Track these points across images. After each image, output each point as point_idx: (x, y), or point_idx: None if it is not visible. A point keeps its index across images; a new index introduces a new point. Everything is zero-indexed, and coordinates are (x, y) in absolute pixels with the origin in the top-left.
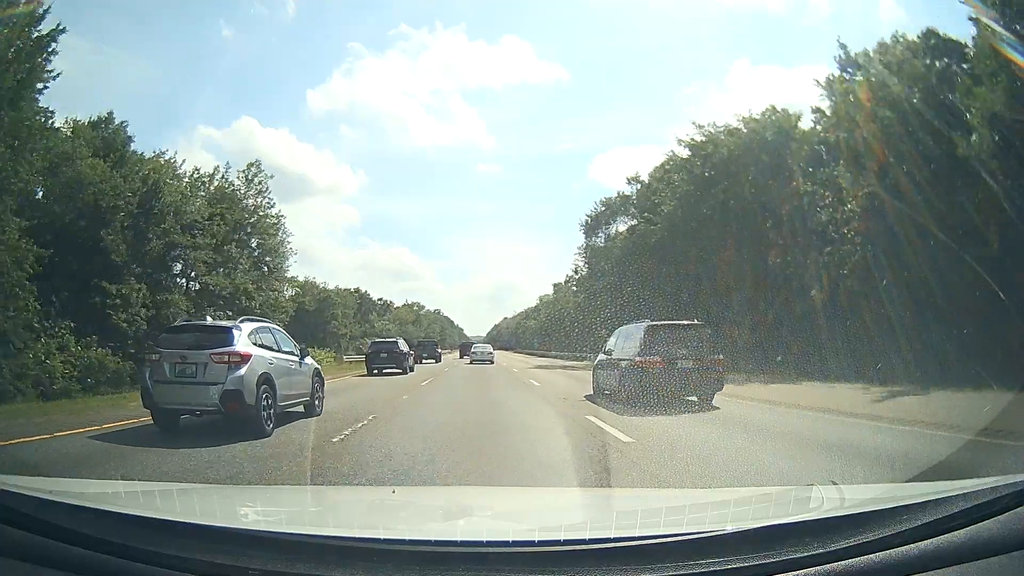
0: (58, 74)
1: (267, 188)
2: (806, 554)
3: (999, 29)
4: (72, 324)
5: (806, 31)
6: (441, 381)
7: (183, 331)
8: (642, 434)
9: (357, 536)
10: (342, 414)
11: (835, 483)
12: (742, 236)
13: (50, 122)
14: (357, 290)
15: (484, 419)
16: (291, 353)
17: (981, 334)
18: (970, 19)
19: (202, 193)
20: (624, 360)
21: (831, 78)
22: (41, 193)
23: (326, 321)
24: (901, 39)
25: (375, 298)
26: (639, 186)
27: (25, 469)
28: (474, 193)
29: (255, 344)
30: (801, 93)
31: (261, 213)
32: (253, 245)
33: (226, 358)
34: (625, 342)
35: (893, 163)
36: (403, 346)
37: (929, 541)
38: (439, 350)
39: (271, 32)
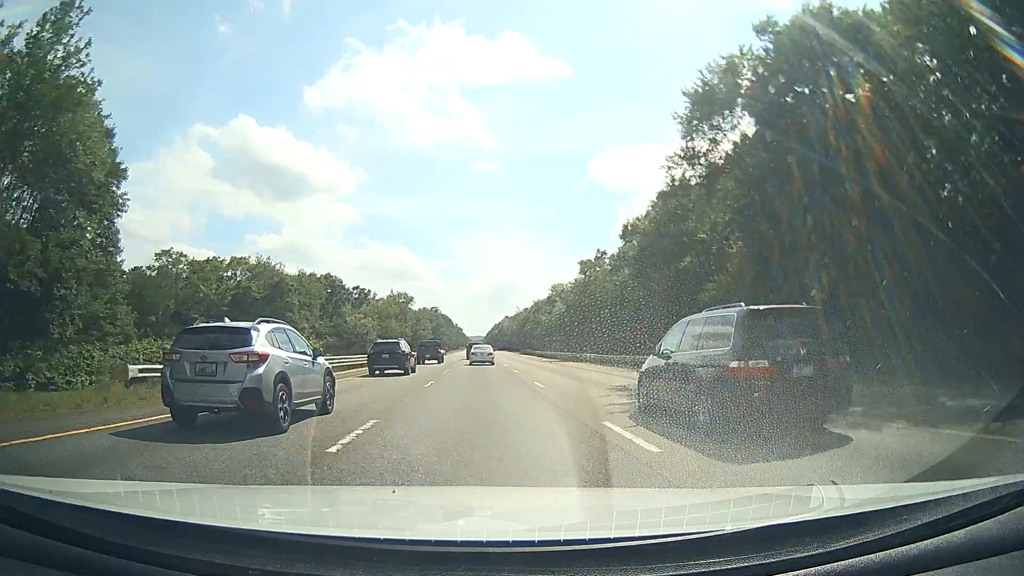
0: None
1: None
2: (806, 554)
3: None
4: None
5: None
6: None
7: (202, 332)
8: None
9: (357, 536)
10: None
11: (835, 483)
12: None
13: None
14: (328, 277)
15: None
16: (304, 353)
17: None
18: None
19: None
20: (703, 367)
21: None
22: None
23: (279, 312)
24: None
25: (350, 287)
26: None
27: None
28: (473, 192)
29: (272, 344)
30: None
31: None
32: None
33: (245, 357)
34: (701, 339)
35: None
36: (404, 347)
37: (929, 541)
38: (441, 350)
39: (268, 28)
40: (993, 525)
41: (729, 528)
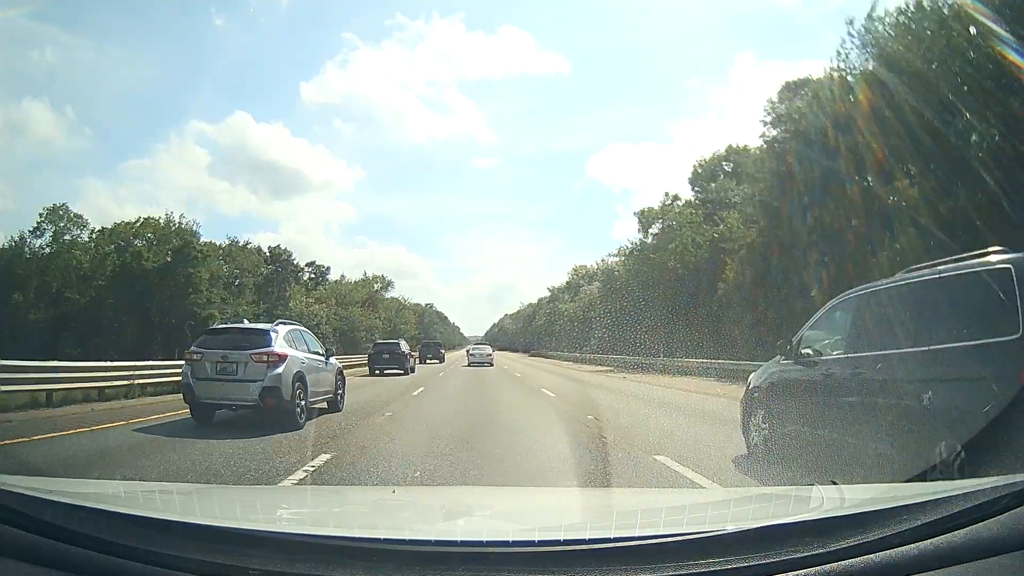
0: None
1: None
2: (806, 554)
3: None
4: None
5: (816, 23)
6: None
7: (223, 333)
8: None
9: (357, 536)
10: None
11: (835, 483)
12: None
13: None
14: (276, 250)
15: None
16: (319, 353)
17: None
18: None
19: None
20: (935, 377)
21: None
22: None
23: (180, 289)
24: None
25: (302, 263)
26: None
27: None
28: (472, 191)
29: (289, 345)
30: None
31: None
32: None
33: (265, 357)
34: (911, 324)
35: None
36: (404, 347)
37: (929, 541)
38: (442, 351)
39: (264, 21)
40: (993, 525)
41: (729, 528)
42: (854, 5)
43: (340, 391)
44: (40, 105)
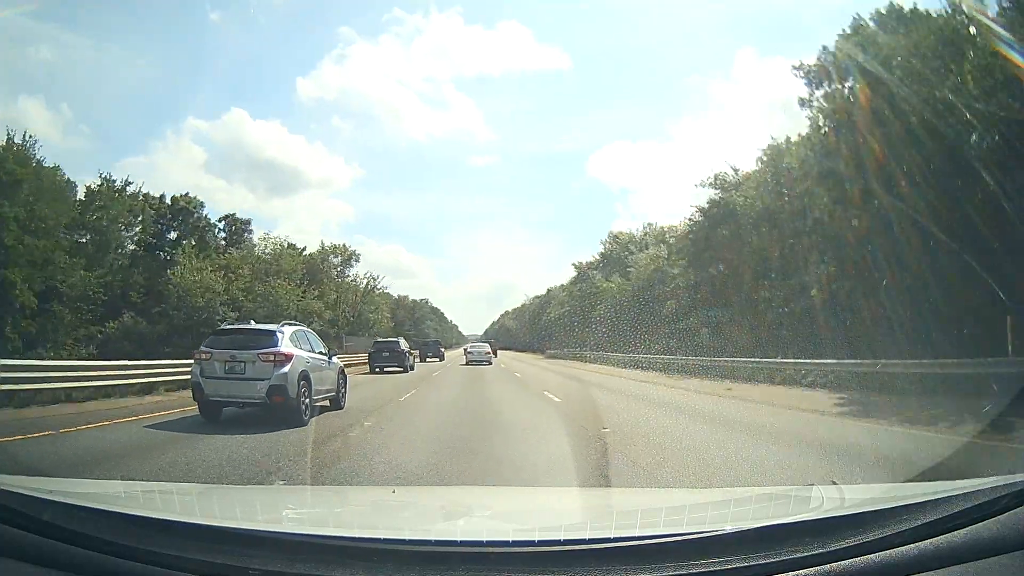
0: None
1: None
2: (806, 554)
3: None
4: None
5: (818, 20)
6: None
7: (231, 333)
8: None
9: (357, 536)
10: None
11: (835, 483)
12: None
13: None
14: (183, 199)
15: None
16: (322, 353)
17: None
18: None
19: None
20: None
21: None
22: None
23: None
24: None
25: (214, 217)
26: None
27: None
28: (471, 188)
29: (294, 345)
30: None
31: None
32: None
33: (272, 357)
34: None
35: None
36: (404, 345)
37: (929, 541)
38: (442, 349)
39: (260, 16)
40: (993, 525)
41: (729, 528)
42: (856, 4)
43: (342, 389)
44: (36, 103)
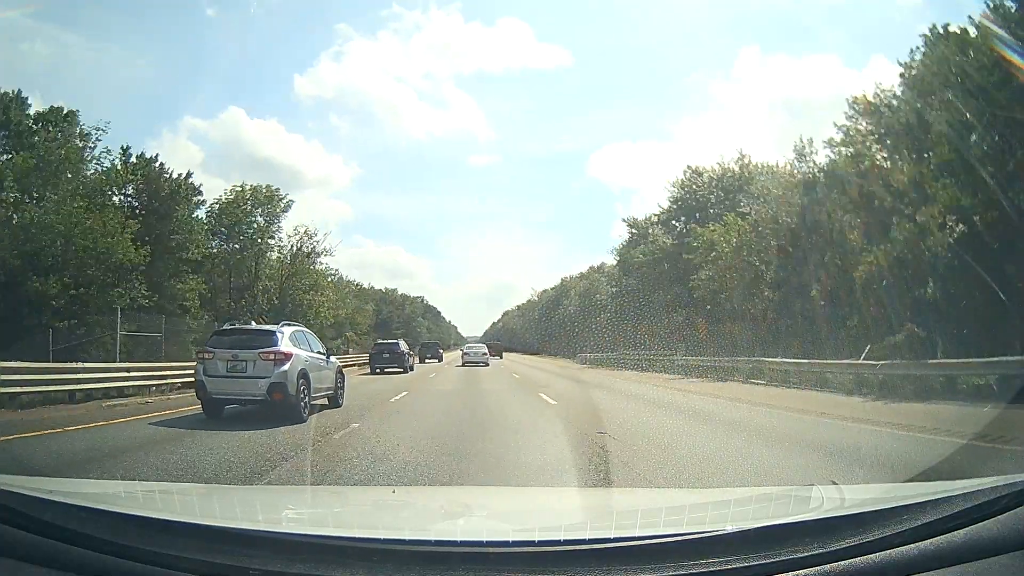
0: None
1: None
2: (806, 554)
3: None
4: None
5: (823, 17)
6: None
7: (232, 333)
8: None
9: (357, 536)
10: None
11: (835, 483)
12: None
13: None
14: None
15: None
16: (321, 353)
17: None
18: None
19: None
20: None
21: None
22: None
23: None
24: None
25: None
26: None
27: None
28: (470, 188)
29: (294, 345)
30: (817, 83)
31: None
32: None
33: (272, 356)
34: None
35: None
36: (404, 347)
37: (929, 541)
38: (440, 350)
39: (256, 11)
40: (993, 525)
41: (729, 528)
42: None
43: (340, 388)
44: (32, 101)
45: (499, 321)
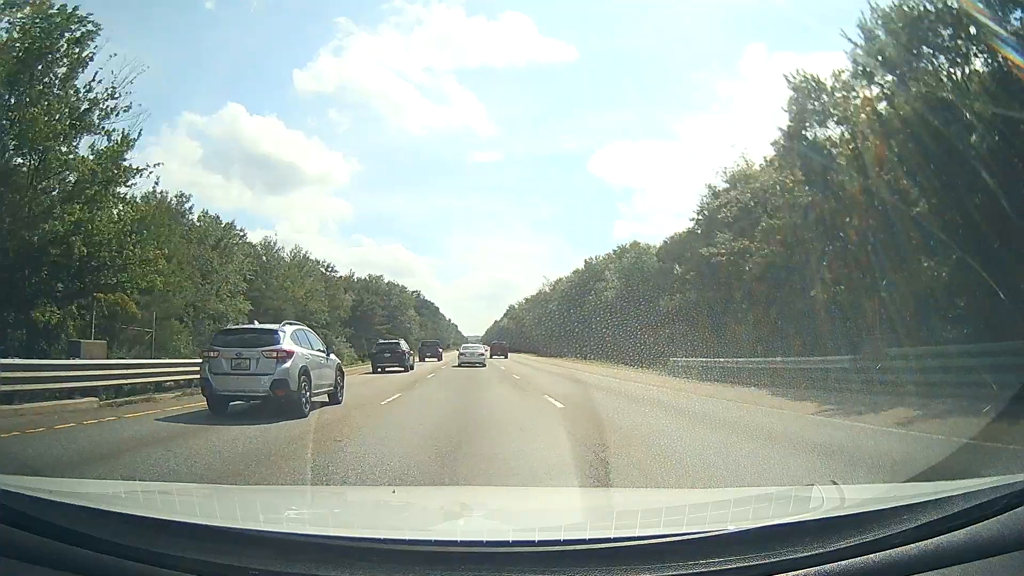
0: None
1: None
2: (806, 554)
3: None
4: None
5: (829, 14)
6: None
7: (236, 333)
8: None
9: (357, 536)
10: None
11: (835, 483)
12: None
13: None
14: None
15: None
16: (321, 351)
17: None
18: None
19: None
20: None
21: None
22: None
23: None
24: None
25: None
26: None
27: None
28: (472, 186)
29: (295, 343)
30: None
31: None
32: None
33: (275, 354)
34: None
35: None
36: (404, 346)
37: (929, 541)
38: (440, 349)
39: (255, 3)
40: (993, 525)
41: (729, 528)
42: None
43: (340, 385)
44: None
45: (502, 319)
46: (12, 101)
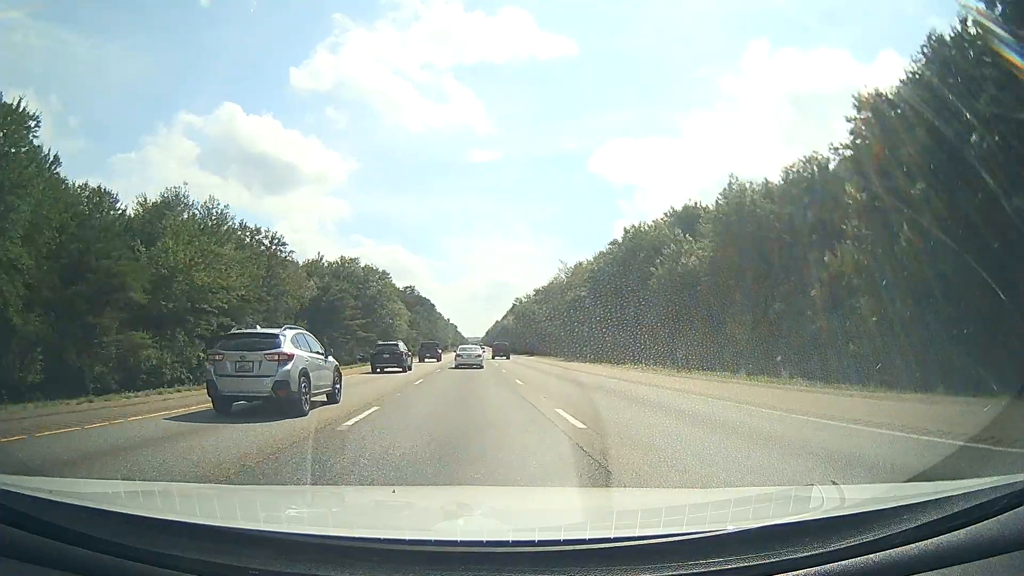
0: None
1: None
2: (806, 554)
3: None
4: None
5: (832, 9)
6: None
7: (239, 337)
8: None
9: (357, 536)
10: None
11: (835, 483)
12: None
13: None
14: None
15: None
16: (320, 353)
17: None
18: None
19: None
20: None
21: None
22: None
23: None
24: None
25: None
26: None
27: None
28: (470, 185)
29: (295, 346)
30: (827, 77)
31: None
32: None
33: (276, 357)
34: None
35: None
36: (403, 347)
37: (929, 541)
38: (439, 350)
39: (249, 2)
40: (993, 525)
41: (729, 528)
42: None
43: (337, 386)
44: (25, 97)
45: (505, 317)
46: None
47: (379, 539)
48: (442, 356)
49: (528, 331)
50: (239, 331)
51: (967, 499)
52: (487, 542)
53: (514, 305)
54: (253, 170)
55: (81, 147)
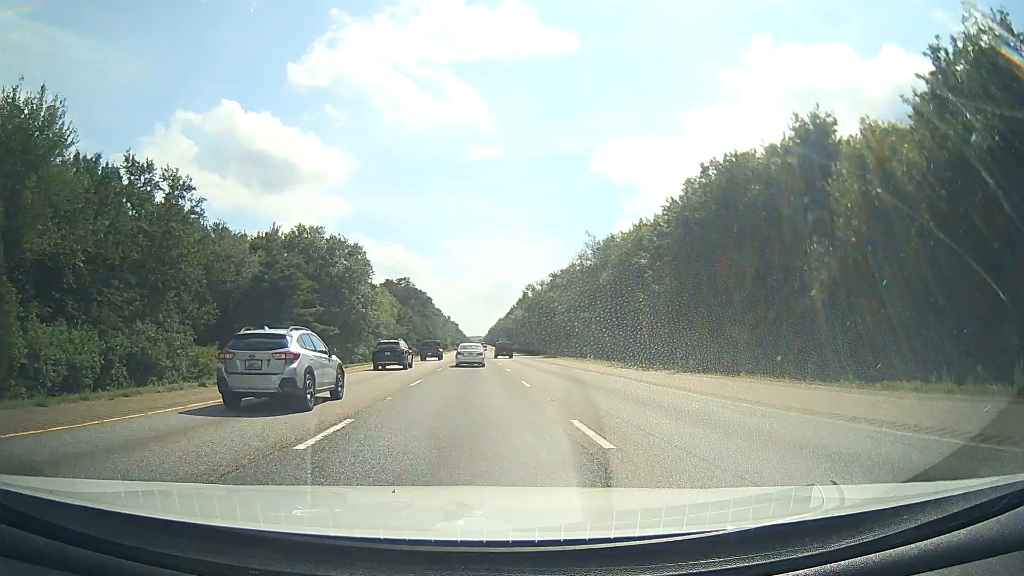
0: None
1: None
2: (806, 554)
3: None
4: None
5: (834, 5)
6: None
7: (249, 337)
8: None
9: (357, 536)
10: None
11: (835, 483)
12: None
13: None
14: None
15: None
16: (324, 352)
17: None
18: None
19: None
20: None
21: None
22: None
23: None
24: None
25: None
26: None
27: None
28: (471, 184)
29: (301, 346)
30: (830, 72)
31: None
32: None
33: (283, 355)
34: None
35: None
36: (403, 346)
37: (929, 541)
38: (441, 349)
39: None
40: (993, 525)
41: (729, 528)
42: None
43: (340, 383)
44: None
45: (515, 310)
46: None
47: (379, 539)
48: (443, 355)
49: (535, 328)
50: (248, 331)
51: (967, 499)
52: (487, 542)
53: (524, 295)
54: (252, 168)
55: (80, 146)
